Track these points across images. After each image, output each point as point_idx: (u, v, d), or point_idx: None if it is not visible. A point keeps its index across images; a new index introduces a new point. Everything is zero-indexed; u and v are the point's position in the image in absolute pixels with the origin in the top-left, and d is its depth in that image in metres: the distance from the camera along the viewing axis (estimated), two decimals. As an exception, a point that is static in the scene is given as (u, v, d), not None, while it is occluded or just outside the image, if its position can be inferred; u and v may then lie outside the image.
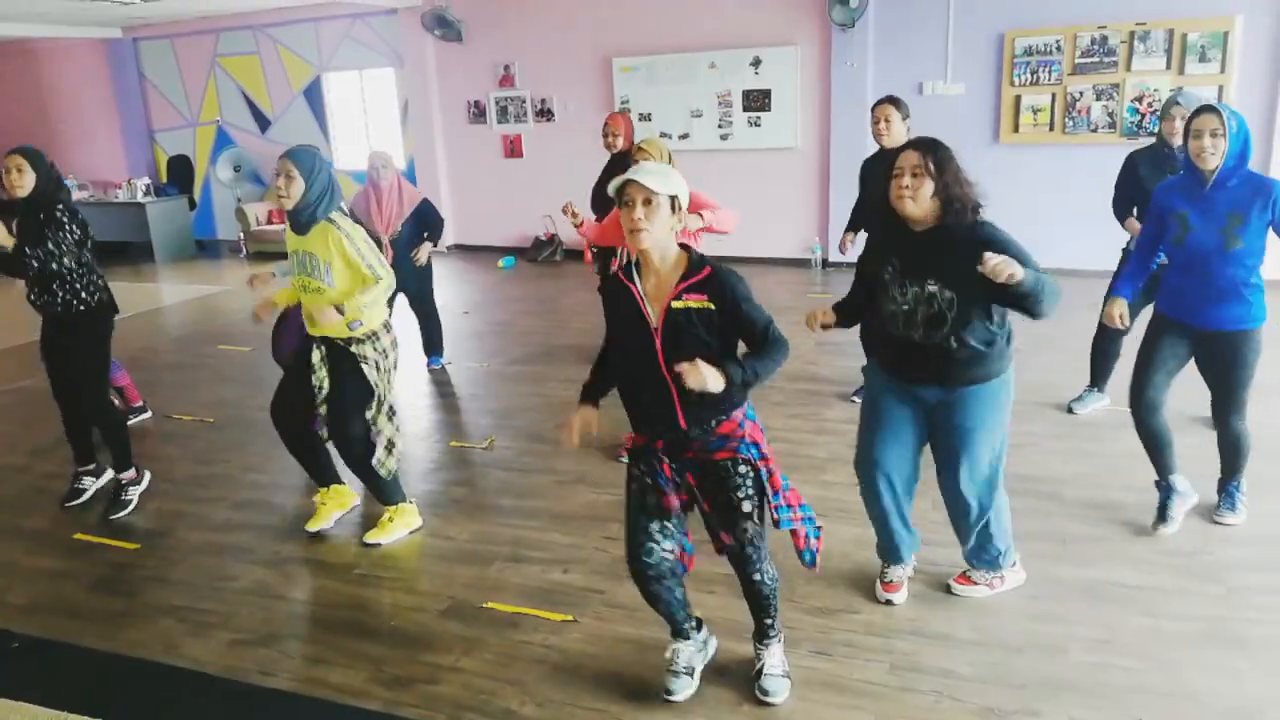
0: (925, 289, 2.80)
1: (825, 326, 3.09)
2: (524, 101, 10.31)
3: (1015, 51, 8.00)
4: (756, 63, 9.05)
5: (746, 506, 2.65)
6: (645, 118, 9.59)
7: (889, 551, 3.33)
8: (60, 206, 4.10)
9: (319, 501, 4.12)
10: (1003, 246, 2.67)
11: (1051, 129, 8.02)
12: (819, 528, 2.83)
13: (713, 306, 2.50)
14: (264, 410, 5.54)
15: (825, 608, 3.28)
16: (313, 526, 4.04)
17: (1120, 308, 3.75)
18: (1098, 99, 7.82)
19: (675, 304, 2.50)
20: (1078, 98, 7.87)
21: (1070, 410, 5.02)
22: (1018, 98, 8.08)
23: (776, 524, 2.70)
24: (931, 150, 2.76)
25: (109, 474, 4.58)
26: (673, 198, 2.48)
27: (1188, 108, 4.11)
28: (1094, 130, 7.83)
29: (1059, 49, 7.85)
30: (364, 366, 3.75)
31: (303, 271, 3.70)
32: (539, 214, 10.23)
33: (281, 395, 3.95)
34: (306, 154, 3.69)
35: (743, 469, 2.66)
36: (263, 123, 11.99)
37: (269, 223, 11.61)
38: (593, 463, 4.61)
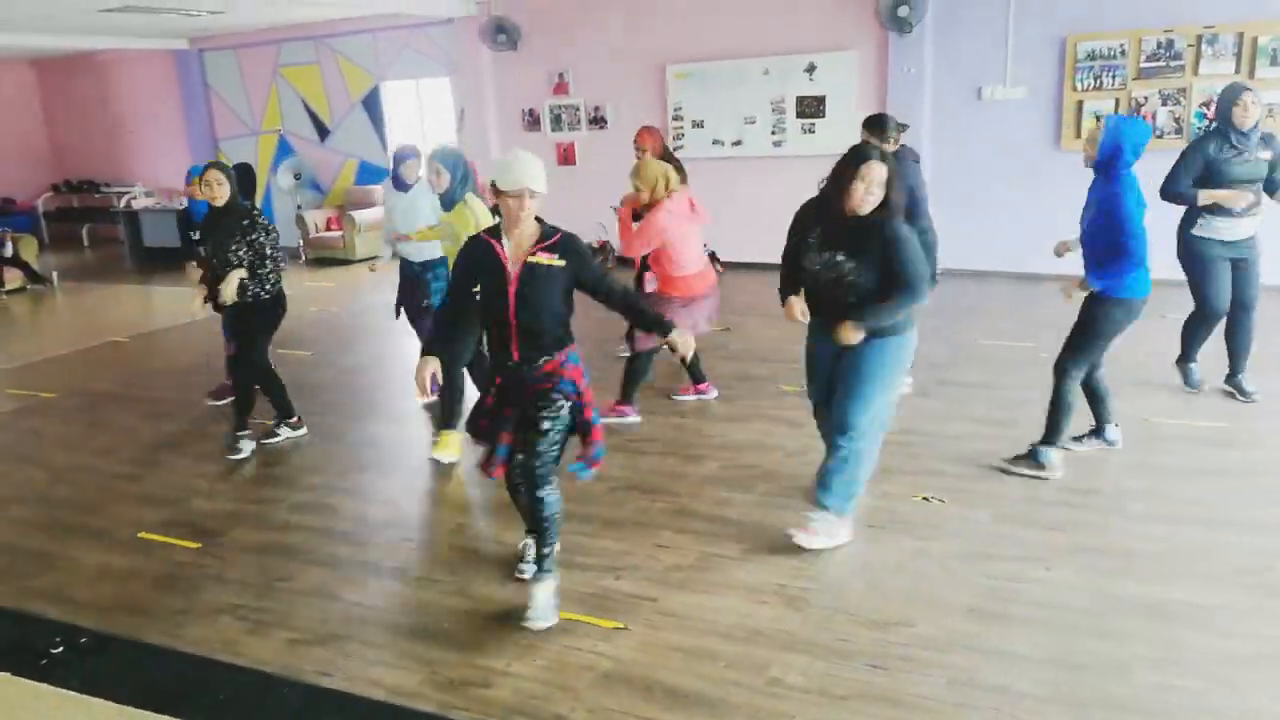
0: (835, 257, 3.45)
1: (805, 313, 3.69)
2: (578, 109, 10.37)
3: (1078, 55, 7.83)
4: (811, 69, 8.99)
5: (544, 425, 3.20)
6: (698, 124, 9.59)
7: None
8: (257, 213, 5.05)
9: (443, 440, 4.86)
10: (896, 244, 3.39)
11: (1115, 134, 7.83)
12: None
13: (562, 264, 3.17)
14: (321, 415, 5.67)
15: (881, 620, 3.23)
16: (451, 456, 4.82)
17: None
18: (1164, 104, 7.62)
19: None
20: (1143, 103, 7.69)
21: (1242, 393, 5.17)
22: (1080, 103, 7.91)
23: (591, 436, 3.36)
24: (891, 165, 3.40)
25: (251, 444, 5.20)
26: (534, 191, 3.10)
27: (1256, 93, 4.87)
28: (1160, 136, 7.63)
29: (1123, 53, 7.67)
30: None
31: (448, 242, 4.69)
32: (592, 221, 10.27)
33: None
34: (447, 153, 4.65)
35: (554, 397, 3.22)
36: (322, 131, 12.22)
37: (327, 229, 11.82)
38: (645, 470, 4.61)
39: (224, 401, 6.00)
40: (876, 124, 5.07)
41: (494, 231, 3.23)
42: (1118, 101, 7.77)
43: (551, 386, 3.22)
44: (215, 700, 3.02)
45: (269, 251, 4.89)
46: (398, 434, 5.44)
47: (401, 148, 5.50)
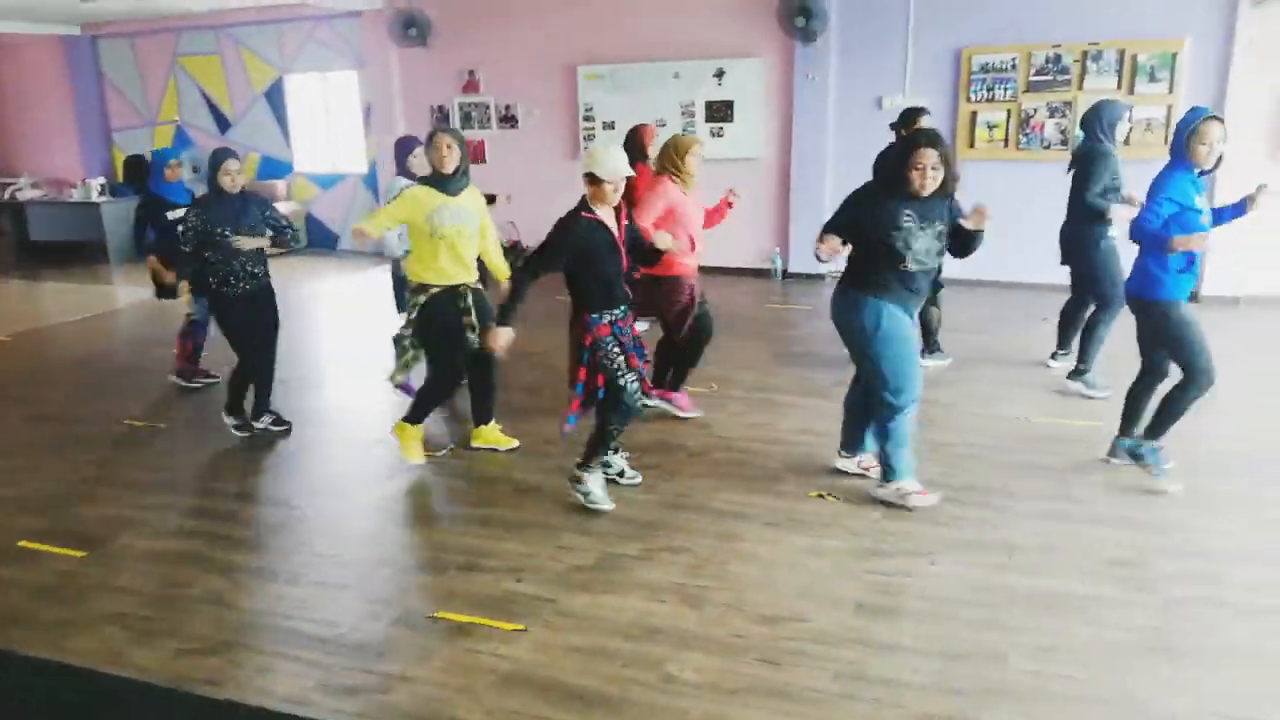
0: (938, 229, 3.84)
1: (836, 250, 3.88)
2: (488, 107, 10.31)
3: (972, 68, 8.15)
4: (720, 74, 9.13)
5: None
6: (609, 125, 9.63)
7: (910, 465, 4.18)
8: (263, 197, 5.29)
9: (487, 432, 4.94)
10: (958, 207, 3.96)
11: (1006, 145, 8.18)
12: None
13: None
14: (217, 415, 5.51)
15: (774, 616, 3.32)
16: (507, 444, 4.93)
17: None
18: (1050, 116, 7.99)
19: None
20: (1032, 114, 8.04)
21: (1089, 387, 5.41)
22: (974, 114, 8.23)
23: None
24: (945, 146, 3.74)
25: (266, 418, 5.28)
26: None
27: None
28: (1047, 147, 8.00)
29: (1014, 67, 8.01)
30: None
31: (456, 222, 4.46)
32: (502, 220, 10.22)
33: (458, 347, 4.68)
34: (458, 131, 4.63)
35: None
36: (223, 124, 11.87)
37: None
38: (548, 471, 4.63)
39: (193, 383, 6.15)
40: (901, 120, 5.72)
41: (586, 208, 3.94)
42: (1009, 113, 8.11)
43: (637, 316, 4.24)
44: (98, 712, 2.93)
45: (285, 221, 5.11)
46: (298, 434, 5.33)
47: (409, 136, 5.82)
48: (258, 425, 5.26)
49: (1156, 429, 4.28)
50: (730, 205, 5.27)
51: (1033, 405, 5.36)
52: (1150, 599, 3.36)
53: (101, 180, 11.84)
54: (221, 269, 4.91)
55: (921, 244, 3.80)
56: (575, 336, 4.04)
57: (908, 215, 3.75)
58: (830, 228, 3.92)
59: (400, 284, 5.92)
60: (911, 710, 2.80)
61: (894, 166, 3.80)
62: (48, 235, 11.60)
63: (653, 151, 6.06)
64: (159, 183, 6.03)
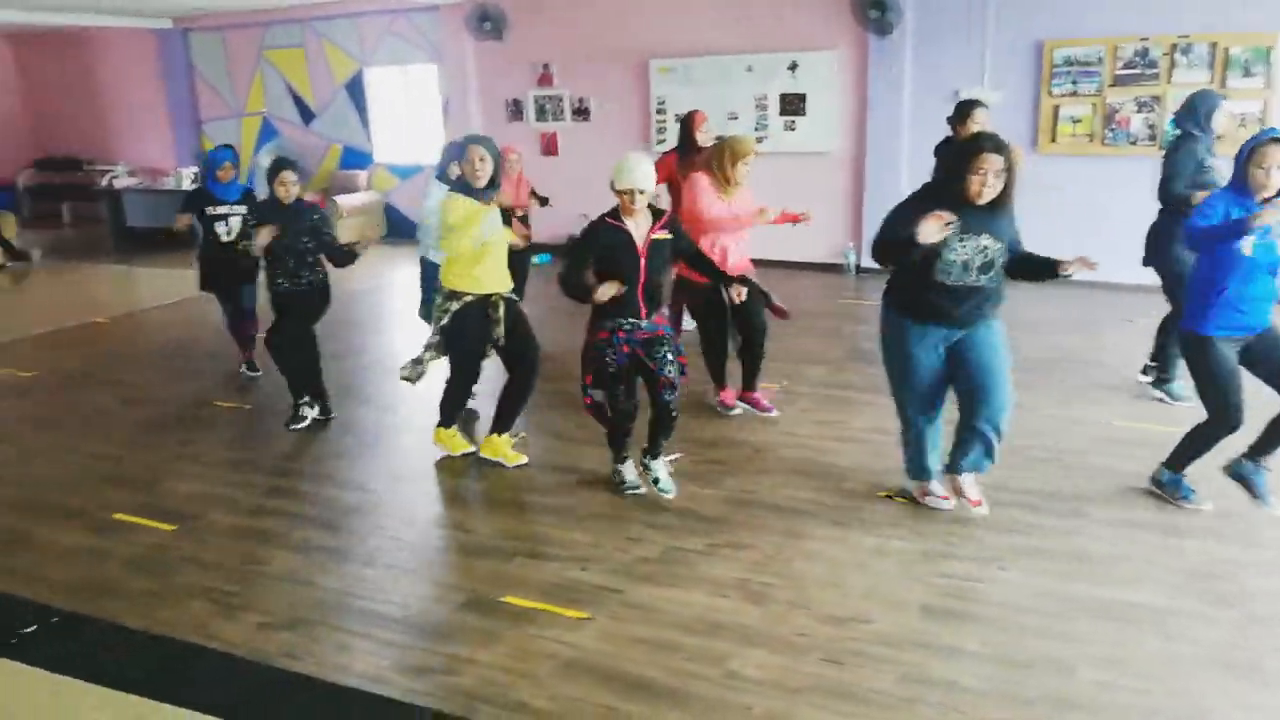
0: (982, 242, 3.54)
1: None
2: (561, 100, 10.40)
3: (1054, 61, 7.94)
4: (793, 67, 9.06)
5: (670, 357, 4.12)
6: (681, 119, 9.62)
7: (923, 470, 4.08)
8: (318, 207, 5.41)
9: (499, 444, 4.76)
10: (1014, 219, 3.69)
11: (1091, 140, 7.96)
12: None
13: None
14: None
15: (838, 616, 3.32)
16: (464, 449, 4.87)
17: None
18: (1138, 110, 7.74)
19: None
20: (1118, 109, 7.80)
21: (1174, 400, 5.21)
22: (1056, 107, 8.02)
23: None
24: (1006, 153, 3.46)
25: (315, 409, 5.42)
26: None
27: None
28: (1134, 142, 7.75)
29: (1099, 60, 7.78)
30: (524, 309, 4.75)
31: (494, 233, 4.48)
32: (574, 212, 10.31)
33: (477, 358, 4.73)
34: (490, 141, 4.52)
35: (665, 340, 4.14)
36: (306, 115, 12.20)
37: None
38: (616, 463, 4.68)
39: (257, 373, 6.35)
40: (955, 113, 5.48)
41: (615, 215, 4.02)
42: (1094, 107, 7.89)
43: (663, 333, 4.12)
44: (183, 681, 3.08)
45: (331, 242, 5.26)
46: (376, 420, 5.49)
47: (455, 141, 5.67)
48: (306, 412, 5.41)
49: (1177, 459, 4.03)
50: (796, 222, 5.17)
51: (1115, 409, 5.22)
52: (1229, 614, 3.27)
53: (193, 169, 12.27)
54: (270, 267, 5.21)
55: (957, 255, 3.54)
56: (663, 328, 4.18)
57: (950, 223, 3.43)
58: (886, 232, 3.62)
59: (429, 281, 5.59)
60: (974, 716, 2.79)
61: (952, 168, 3.57)
62: (143, 222, 12.06)
63: (701, 137, 6.04)
64: (211, 180, 6.27)
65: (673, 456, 4.60)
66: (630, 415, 4.27)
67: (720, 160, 4.92)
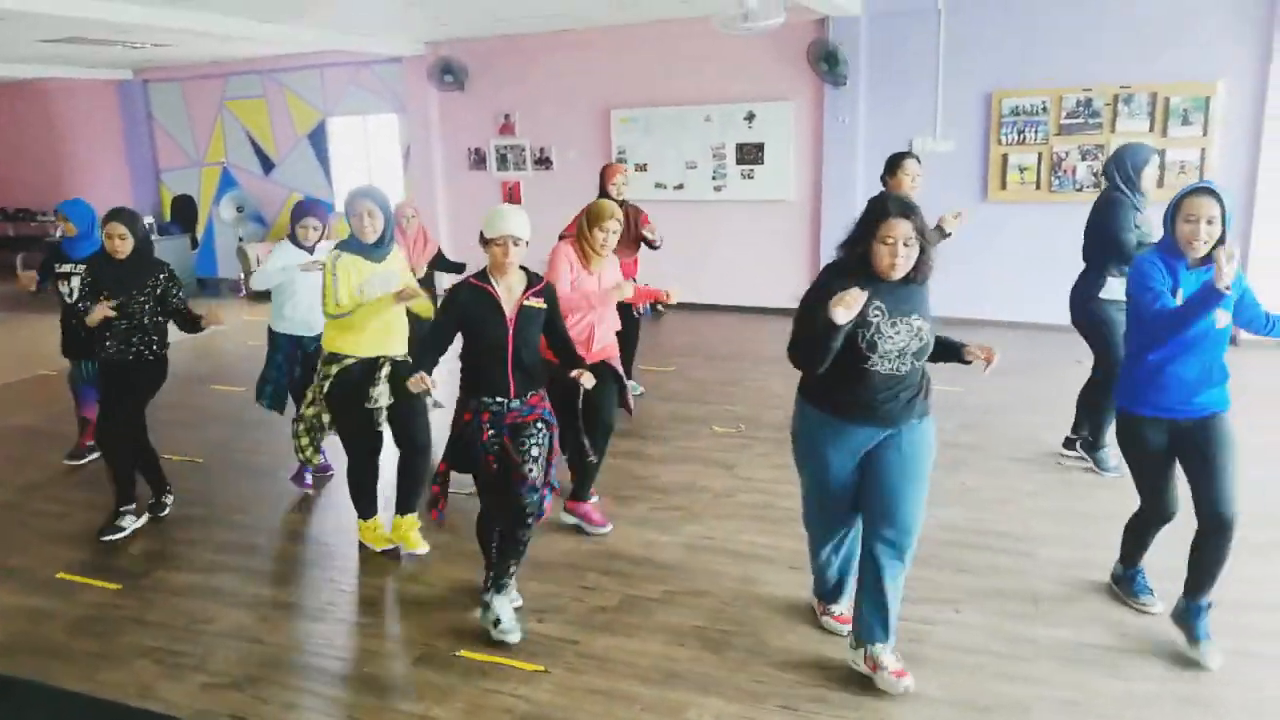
0: (914, 323, 2.97)
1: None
2: (524, 150, 10.49)
3: (1003, 111, 8.17)
4: (750, 117, 9.24)
5: (535, 452, 3.48)
6: (641, 168, 9.76)
7: (826, 590, 3.55)
8: (168, 265, 4.63)
9: (374, 526, 4.35)
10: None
11: (1038, 187, 8.17)
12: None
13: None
14: (253, 453, 5.63)
15: (796, 663, 3.31)
16: (384, 545, 4.31)
17: None
18: (1083, 159, 7.97)
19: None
20: (1063, 157, 8.03)
21: (1103, 471, 4.89)
22: (1005, 156, 8.24)
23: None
24: (917, 217, 2.91)
25: (146, 516, 4.73)
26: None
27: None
28: (1079, 189, 7.97)
29: (1045, 110, 8.02)
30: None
31: (387, 289, 4.01)
32: (536, 260, 10.34)
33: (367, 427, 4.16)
34: (380, 194, 4.10)
35: (539, 426, 3.52)
36: (267, 165, 12.18)
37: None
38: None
39: (84, 460, 5.62)
40: (885, 167, 5.11)
41: (481, 277, 3.46)
42: (1040, 156, 8.11)
43: (537, 417, 3.51)
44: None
45: (179, 306, 4.58)
46: (326, 476, 5.41)
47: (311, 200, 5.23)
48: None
49: (1124, 553, 3.66)
50: (658, 301, 4.64)
51: (1056, 448, 5.29)
52: (1182, 654, 3.29)
53: (150, 219, 12.16)
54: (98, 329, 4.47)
55: (893, 344, 2.94)
56: (536, 412, 3.55)
57: (876, 307, 2.91)
58: (800, 331, 3.03)
59: (275, 353, 5.03)
60: (932, 761, 2.77)
61: (856, 237, 2.97)
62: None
63: (613, 190, 5.98)
64: (67, 236, 5.50)
65: (592, 500, 4.43)
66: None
67: (581, 227, 4.40)
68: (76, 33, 8.61)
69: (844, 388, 3.02)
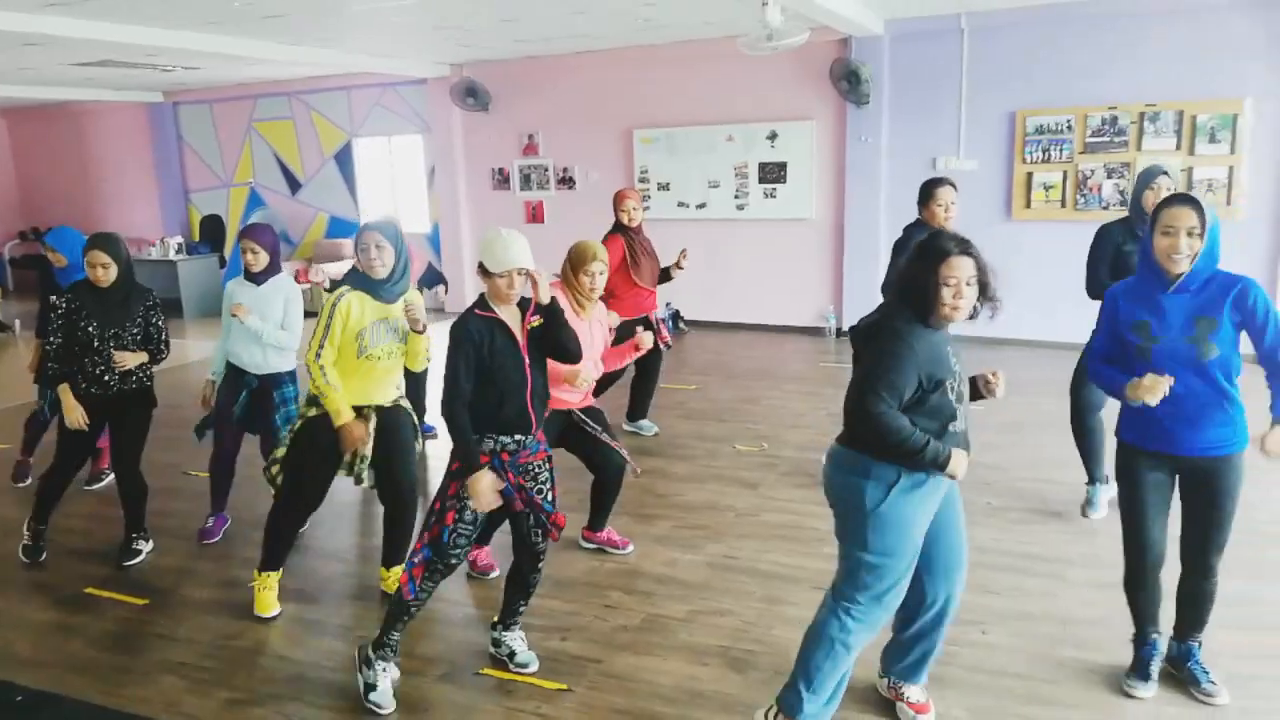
0: (963, 388, 2.78)
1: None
2: (547, 169, 10.57)
3: (1027, 130, 8.14)
4: (773, 136, 9.26)
5: (546, 493, 3.31)
6: (664, 187, 9.80)
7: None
8: (152, 293, 4.50)
9: (269, 587, 3.97)
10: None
11: (1063, 205, 8.12)
12: None
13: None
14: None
15: (819, 683, 3.27)
16: (271, 611, 3.93)
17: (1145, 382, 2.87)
18: (1109, 177, 7.92)
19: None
20: (1089, 175, 7.98)
21: (1085, 515, 4.64)
22: (1029, 175, 8.20)
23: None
24: (979, 257, 2.66)
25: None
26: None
27: (1174, 179, 4.10)
28: (1105, 208, 7.91)
29: (1069, 128, 7.99)
30: (413, 417, 3.89)
31: (392, 339, 3.65)
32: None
33: (323, 482, 3.81)
34: (390, 225, 3.63)
35: (544, 463, 3.30)
36: (294, 185, 12.34)
37: (296, 281, 11.85)
38: (597, 529, 4.65)
39: (27, 483, 5.62)
40: (920, 195, 4.81)
41: (482, 305, 3.15)
42: (1065, 174, 8.07)
43: (546, 455, 3.32)
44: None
45: (163, 336, 4.49)
46: (354, 489, 5.43)
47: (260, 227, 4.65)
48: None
49: (1133, 616, 3.25)
50: (636, 350, 4.40)
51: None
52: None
53: (179, 239, 12.37)
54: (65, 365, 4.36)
55: (957, 395, 2.71)
56: (542, 450, 3.32)
57: (952, 352, 2.71)
58: (887, 400, 2.61)
59: (224, 389, 4.71)
60: (959, 785, 2.73)
61: (916, 281, 2.65)
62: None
63: (624, 217, 5.69)
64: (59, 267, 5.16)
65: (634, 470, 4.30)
66: (437, 582, 3.23)
67: (565, 275, 4.20)
68: (108, 56, 8.78)
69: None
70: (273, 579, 3.94)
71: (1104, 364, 3.08)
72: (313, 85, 11.66)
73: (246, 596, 4.08)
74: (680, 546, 4.44)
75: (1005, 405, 6.01)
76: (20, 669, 3.57)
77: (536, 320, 3.20)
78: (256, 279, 4.58)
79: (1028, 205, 8.24)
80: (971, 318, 2.70)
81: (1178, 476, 3.04)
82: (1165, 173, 4.14)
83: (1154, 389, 2.79)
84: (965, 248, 2.64)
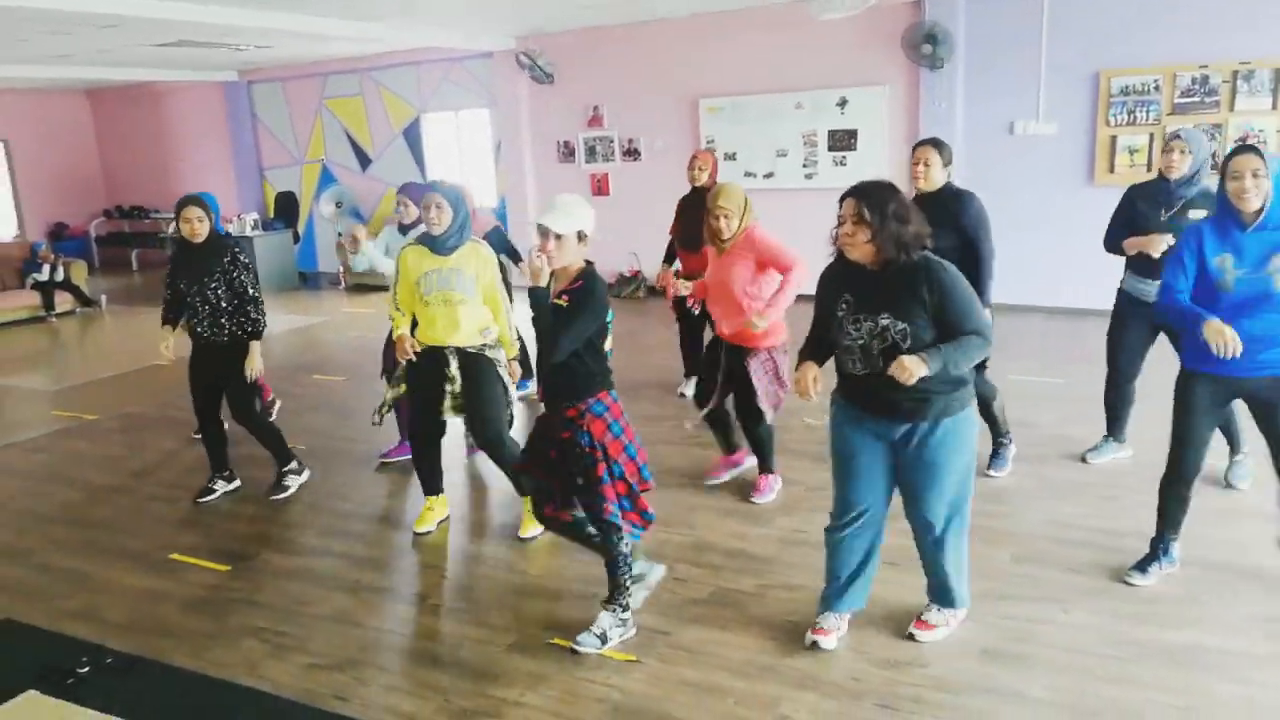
0: (879, 323, 2.89)
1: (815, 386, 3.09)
2: (612, 141, 10.52)
3: (1111, 90, 7.81)
4: (843, 103, 9.06)
5: (578, 478, 3.34)
6: (730, 157, 9.67)
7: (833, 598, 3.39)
8: (239, 248, 4.82)
9: (428, 506, 4.53)
10: (947, 287, 2.86)
11: (1149, 170, 7.79)
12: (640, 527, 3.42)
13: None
14: (352, 440, 5.78)
15: (894, 660, 3.22)
16: (421, 527, 4.47)
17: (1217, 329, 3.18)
18: (1199, 139, 7.56)
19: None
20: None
21: (1084, 459, 4.83)
22: (1113, 138, 7.87)
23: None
24: (866, 196, 2.90)
25: (237, 481, 5.18)
26: (579, 231, 3.19)
27: (1189, 142, 4.24)
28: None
29: (1157, 89, 7.64)
30: (500, 370, 4.26)
31: (444, 287, 4.10)
32: (624, 250, 10.38)
33: (425, 409, 4.31)
34: (450, 189, 4.11)
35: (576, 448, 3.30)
36: (364, 161, 12.50)
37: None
38: (665, 504, 4.63)
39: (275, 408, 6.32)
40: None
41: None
42: (1152, 136, 7.73)
43: (572, 434, 3.30)
44: (235, 723, 3.09)
45: (251, 292, 4.74)
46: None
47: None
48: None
49: (1159, 522, 3.69)
50: (680, 295, 4.76)
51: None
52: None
53: (254, 215, 12.66)
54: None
55: (852, 339, 3.02)
56: (574, 428, 3.32)
57: (845, 300, 3.03)
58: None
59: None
60: (1039, 767, 2.67)
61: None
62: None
63: (696, 175, 5.88)
64: None
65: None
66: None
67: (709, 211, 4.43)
68: (185, 36, 8.97)
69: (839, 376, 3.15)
70: (429, 501, 4.53)
71: (1178, 298, 3.36)
72: (381, 62, 11.77)
73: (324, 566, 4.18)
74: (749, 520, 4.40)
75: (1084, 378, 5.84)
76: (111, 632, 3.71)
77: (563, 301, 3.21)
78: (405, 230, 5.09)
79: (1111, 170, 7.92)
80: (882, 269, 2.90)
81: (1243, 402, 3.45)
82: (1179, 136, 4.30)
83: (1230, 342, 3.11)
84: (852, 190, 2.98)
